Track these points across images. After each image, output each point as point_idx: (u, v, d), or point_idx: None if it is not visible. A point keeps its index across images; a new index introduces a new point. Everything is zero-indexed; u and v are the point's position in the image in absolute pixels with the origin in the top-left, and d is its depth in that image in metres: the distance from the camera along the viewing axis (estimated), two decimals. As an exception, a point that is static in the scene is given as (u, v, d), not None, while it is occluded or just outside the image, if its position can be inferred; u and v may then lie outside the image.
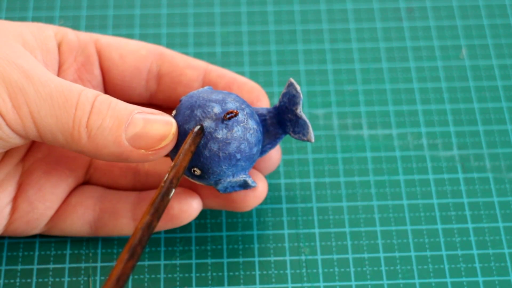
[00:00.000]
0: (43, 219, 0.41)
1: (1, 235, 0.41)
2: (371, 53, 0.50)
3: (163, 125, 0.37)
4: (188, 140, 0.37)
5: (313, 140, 0.39)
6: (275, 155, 0.42)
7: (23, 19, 0.50)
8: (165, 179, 0.36)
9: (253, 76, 0.49)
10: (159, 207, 0.35)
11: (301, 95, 0.39)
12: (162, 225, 0.40)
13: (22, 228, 0.41)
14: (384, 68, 0.49)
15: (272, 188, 0.44)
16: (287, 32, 0.51)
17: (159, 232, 0.43)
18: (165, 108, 0.43)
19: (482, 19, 0.51)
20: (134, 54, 0.41)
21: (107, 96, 0.37)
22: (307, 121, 0.39)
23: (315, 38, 0.50)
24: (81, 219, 0.41)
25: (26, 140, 0.37)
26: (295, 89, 0.39)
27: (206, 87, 0.40)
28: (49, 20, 0.50)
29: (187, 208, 0.40)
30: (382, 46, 0.50)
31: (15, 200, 0.40)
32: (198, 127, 0.37)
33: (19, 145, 0.38)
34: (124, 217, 0.40)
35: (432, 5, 0.52)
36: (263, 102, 0.42)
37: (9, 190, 0.40)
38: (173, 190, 0.36)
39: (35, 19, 0.50)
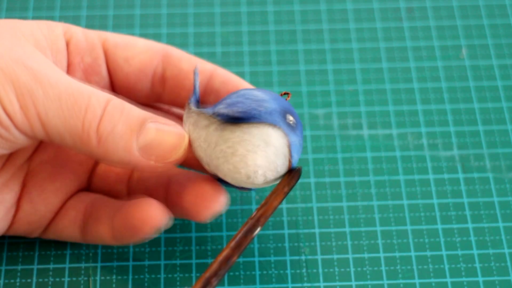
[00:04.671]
0: (44, 221, 0.41)
1: (4, 234, 0.41)
2: (371, 53, 0.50)
3: (175, 138, 0.36)
4: (284, 181, 0.37)
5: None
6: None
7: (23, 19, 0.50)
8: (252, 216, 0.36)
9: (253, 76, 0.49)
10: (242, 243, 0.35)
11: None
12: (124, 236, 0.39)
13: (23, 229, 0.41)
14: (384, 68, 0.49)
15: (272, 188, 0.44)
16: (287, 32, 0.51)
17: (158, 233, 0.43)
18: (173, 111, 0.43)
19: (482, 19, 0.51)
20: (140, 56, 0.41)
21: (120, 101, 0.36)
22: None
23: (315, 38, 0.50)
24: (72, 223, 0.40)
25: (34, 141, 0.37)
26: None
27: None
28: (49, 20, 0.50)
29: (152, 214, 0.38)
30: (382, 46, 0.50)
31: (18, 200, 0.40)
32: (295, 170, 0.37)
33: (26, 146, 0.38)
34: (104, 224, 0.40)
35: (432, 5, 0.52)
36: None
37: (15, 191, 0.40)
38: (259, 229, 0.35)
39: (35, 19, 0.50)
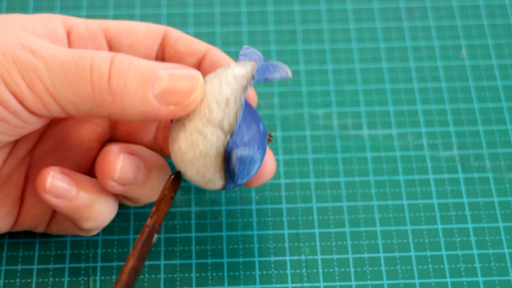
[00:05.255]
0: (47, 213, 0.41)
1: (10, 230, 0.41)
2: (371, 53, 0.50)
3: (189, 79, 0.36)
4: (165, 186, 0.37)
5: (291, 75, 0.38)
6: (269, 165, 0.40)
7: (23, 19, 0.50)
8: (147, 223, 0.36)
9: (253, 76, 0.49)
10: (143, 251, 0.36)
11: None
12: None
13: (28, 222, 0.41)
14: (384, 68, 0.49)
15: (272, 188, 0.44)
16: (287, 32, 0.51)
17: (159, 233, 0.43)
18: None
19: (482, 19, 0.51)
20: (144, 41, 0.41)
21: (124, 55, 0.36)
22: (278, 62, 0.38)
23: (315, 38, 0.50)
24: None
25: (47, 120, 0.37)
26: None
27: None
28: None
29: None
30: (382, 46, 0.50)
31: (22, 193, 0.40)
32: (173, 175, 0.38)
33: (37, 128, 0.37)
34: None
35: (432, 5, 0.52)
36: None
37: (20, 184, 0.40)
38: (156, 236, 0.36)
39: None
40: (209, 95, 0.36)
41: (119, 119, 0.36)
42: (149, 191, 0.39)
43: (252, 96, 0.41)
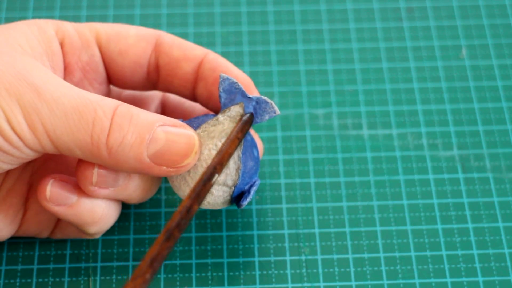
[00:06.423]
0: (52, 220, 0.41)
1: (14, 235, 0.41)
2: (371, 53, 0.50)
3: (185, 142, 0.36)
4: (236, 127, 0.37)
5: (279, 111, 0.38)
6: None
7: (23, 19, 0.50)
8: (209, 164, 0.35)
9: (253, 76, 0.49)
10: (201, 192, 0.35)
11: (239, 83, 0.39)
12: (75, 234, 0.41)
13: (33, 228, 0.40)
14: (384, 68, 0.49)
15: (272, 188, 0.44)
16: (287, 32, 0.51)
17: (158, 233, 0.43)
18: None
19: (482, 19, 0.51)
20: (134, 48, 0.40)
21: (127, 107, 0.36)
22: (264, 97, 0.38)
23: (315, 38, 0.50)
24: None
25: (43, 153, 0.37)
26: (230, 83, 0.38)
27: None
28: (49, 20, 0.50)
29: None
30: (382, 46, 0.50)
31: (26, 201, 0.40)
32: (247, 114, 0.37)
33: (38, 157, 0.38)
34: None
35: (432, 5, 0.52)
36: (254, 94, 0.41)
37: (23, 193, 0.40)
38: (216, 176, 0.36)
39: (35, 19, 0.50)
40: (207, 158, 0.37)
41: (110, 169, 0.36)
42: (135, 191, 0.39)
43: (260, 150, 0.42)
